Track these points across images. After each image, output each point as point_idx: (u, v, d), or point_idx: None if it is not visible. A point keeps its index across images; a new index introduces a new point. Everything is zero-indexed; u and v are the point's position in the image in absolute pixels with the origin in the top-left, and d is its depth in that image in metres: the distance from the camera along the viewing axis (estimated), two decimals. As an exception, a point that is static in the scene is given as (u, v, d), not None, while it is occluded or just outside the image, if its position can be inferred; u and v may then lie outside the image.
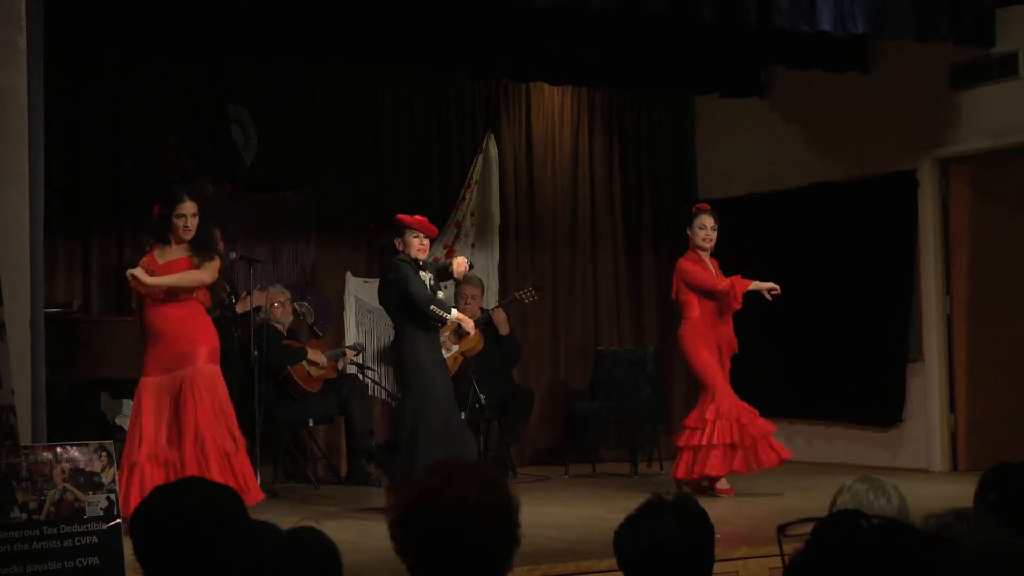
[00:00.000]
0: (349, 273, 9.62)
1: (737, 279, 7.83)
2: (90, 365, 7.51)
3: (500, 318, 9.33)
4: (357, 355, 9.28)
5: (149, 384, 6.63)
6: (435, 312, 7.12)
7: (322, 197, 9.44)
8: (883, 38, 8.27)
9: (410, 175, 9.83)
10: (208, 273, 6.76)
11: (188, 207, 6.73)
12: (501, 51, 9.26)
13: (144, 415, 6.57)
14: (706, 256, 7.95)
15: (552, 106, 10.47)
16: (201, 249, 6.78)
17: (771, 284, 7.82)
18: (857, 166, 9.56)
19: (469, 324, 7.45)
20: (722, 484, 7.78)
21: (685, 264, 7.93)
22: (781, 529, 2.38)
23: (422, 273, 7.21)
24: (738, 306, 7.81)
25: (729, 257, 8.20)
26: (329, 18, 8.38)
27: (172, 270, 6.71)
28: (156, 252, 6.78)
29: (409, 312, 7.15)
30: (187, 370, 6.58)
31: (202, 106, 9.14)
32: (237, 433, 6.67)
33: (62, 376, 6.99)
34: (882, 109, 9.39)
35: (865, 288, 9.42)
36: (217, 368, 6.72)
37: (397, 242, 7.30)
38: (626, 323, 10.59)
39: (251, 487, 6.57)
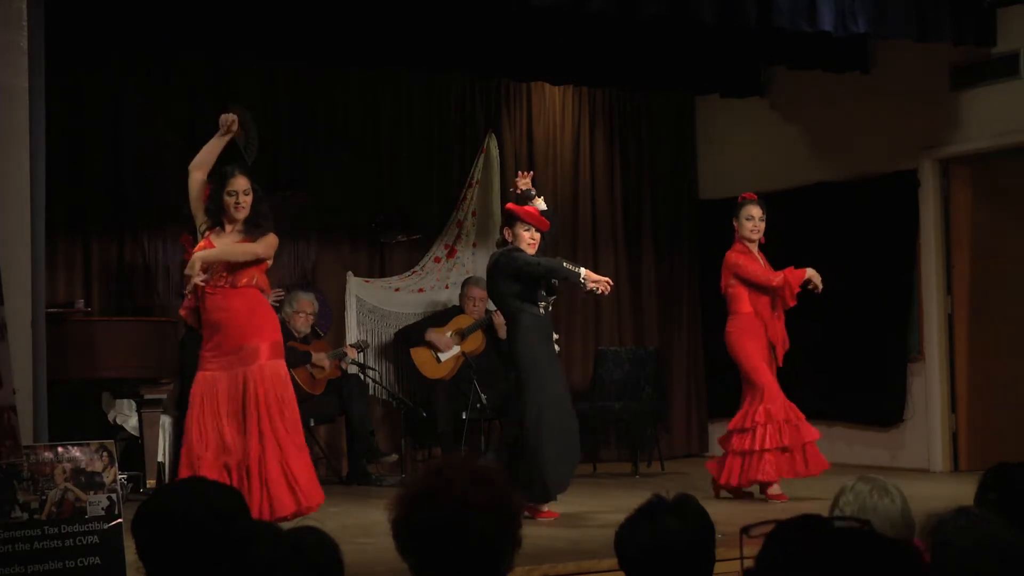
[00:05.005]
0: (350, 273, 9.61)
1: (790, 271, 7.59)
2: (90, 365, 7.49)
3: (500, 321, 9.30)
4: (360, 353, 9.28)
5: (206, 380, 6.31)
6: (568, 268, 6.71)
7: (322, 197, 9.44)
8: (883, 38, 8.27)
9: (410, 175, 9.83)
10: (262, 247, 6.39)
11: (240, 182, 6.41)
12: (501, 51, 9.26)
13: (197, 415, 6.27)
14: (754, 248, 7.71)
15: (553, 106, 10.47)
16: (255, 228, 6.44)
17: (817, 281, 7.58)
18: (857, 166, 9.57)
19: (595, 276, 6.77)
20: (774, 489, 7.51)
21: (734, 257, 7.67)
22: (745, 530, 2.39)
23: None
24: (793, 302, 7.59)
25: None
26: (329, 18, 8.38)
27: None
28: (213, 238, 6.43)
29: (524, 299, 6.80)
30: (250, 368, 6.26)
31: (202, 106, 9.14)
32: (298, 435, 6.37)
33: (62, 376, 6.97)
34: (882, 109, 9.39)
35: (866, 288, 9.42)
36: (282, 363, 6.42)
37: (506, 232, 6.97)
38: (626, 323, 10.59)
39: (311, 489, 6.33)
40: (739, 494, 7.66)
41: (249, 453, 6.21)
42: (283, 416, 6.30)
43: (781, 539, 1.88)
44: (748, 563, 2.15)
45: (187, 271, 6.35)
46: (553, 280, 6.93)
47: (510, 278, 6.84)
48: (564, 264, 6.77)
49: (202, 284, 6.30)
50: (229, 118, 6.37)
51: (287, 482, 6.23)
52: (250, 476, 6.18)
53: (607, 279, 6.78)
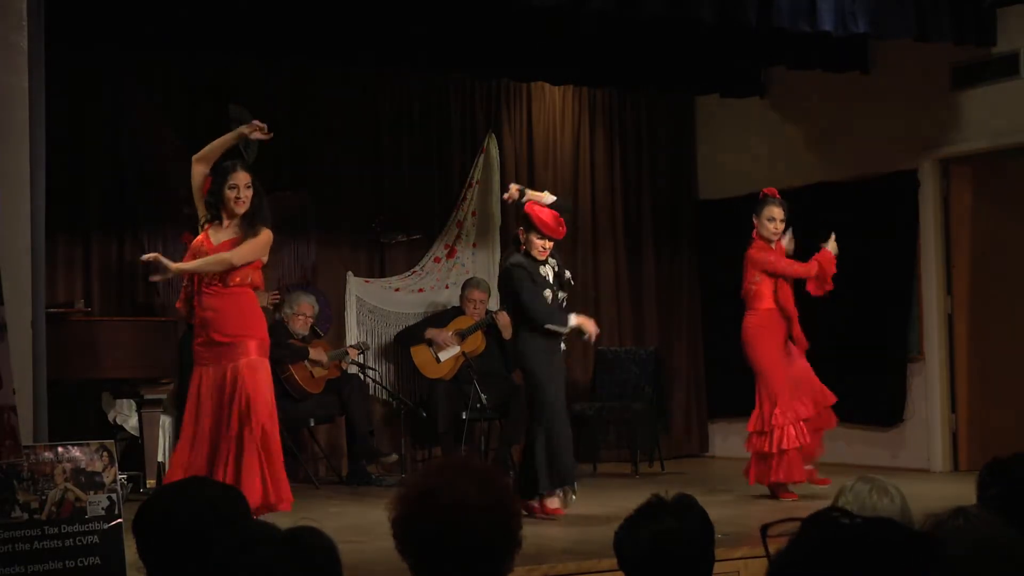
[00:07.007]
0: (350, 273, 9.62)
1: (819, 256, 7.63)
2: (90, 365, 7.49)
3: (504, 322, 9.27)
4: (360, 354, 9.28)
5: (198, 375, 6.34)
6: (553, 329, 6.88)
7: (322, 197, 9.44)
8: (883, 38, 8.27)
9: (410, 175, 9.83)
10: (239, 255, 6.30)
11: (241, 177, 6.39)
12: (501, 51, 9.26)
13: (191, 409, 6.30)
14: (773, 245, 7.70)
15: (553, 106, 10.47)
16: (250, 227, 6.38)
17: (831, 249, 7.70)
18: (858, 166, 9.57)
19: (590, 326, 7.08)
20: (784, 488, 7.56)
21: (759, 254, 7.63)
22: (764, 529, 2.39)
23: (542, 269, 6.93)
24: (831, 286, 7.63)
25: (730, 257, 8.18)
26: (329, 18, 8.39)
27: (223, 250, 6.35)
28: (211, 231, 6.40)
29: (525, 314, 6.92)
30: (238, 363, 6.24)
31: (202, 106, 9.14)
32: (276, 434, 6.38)
33: (62, 376, 6.97)
34: (882, 109, 9.39)
35: (866, 288, 9.41)
36: (267, 362, 6.41)
37: (520, 232, 6.99)
38: (626, 323, 10.59)
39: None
40: (773, 490, 7.65)
41: (226, 443, 6.21)
42: (270, 414, 6.29)
43: (807, 535, 1.87)
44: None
45: (157, 257, 6.42)
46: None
47: (513, 294, 6.95)
48: (549, 327, 6.89)
49: (159, 279, 6.38)
50: (258, 126, 6.44)
51: (261, 474, 6.20)
52: (225, 466, 6.17)
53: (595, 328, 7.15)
